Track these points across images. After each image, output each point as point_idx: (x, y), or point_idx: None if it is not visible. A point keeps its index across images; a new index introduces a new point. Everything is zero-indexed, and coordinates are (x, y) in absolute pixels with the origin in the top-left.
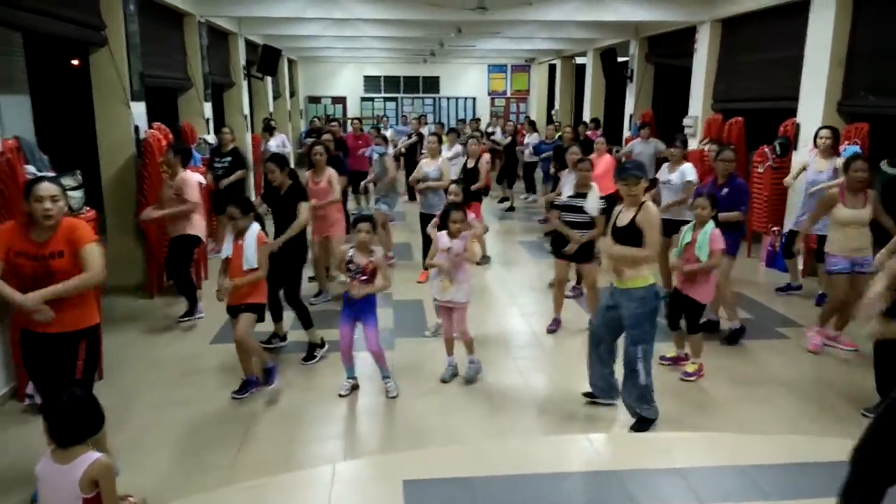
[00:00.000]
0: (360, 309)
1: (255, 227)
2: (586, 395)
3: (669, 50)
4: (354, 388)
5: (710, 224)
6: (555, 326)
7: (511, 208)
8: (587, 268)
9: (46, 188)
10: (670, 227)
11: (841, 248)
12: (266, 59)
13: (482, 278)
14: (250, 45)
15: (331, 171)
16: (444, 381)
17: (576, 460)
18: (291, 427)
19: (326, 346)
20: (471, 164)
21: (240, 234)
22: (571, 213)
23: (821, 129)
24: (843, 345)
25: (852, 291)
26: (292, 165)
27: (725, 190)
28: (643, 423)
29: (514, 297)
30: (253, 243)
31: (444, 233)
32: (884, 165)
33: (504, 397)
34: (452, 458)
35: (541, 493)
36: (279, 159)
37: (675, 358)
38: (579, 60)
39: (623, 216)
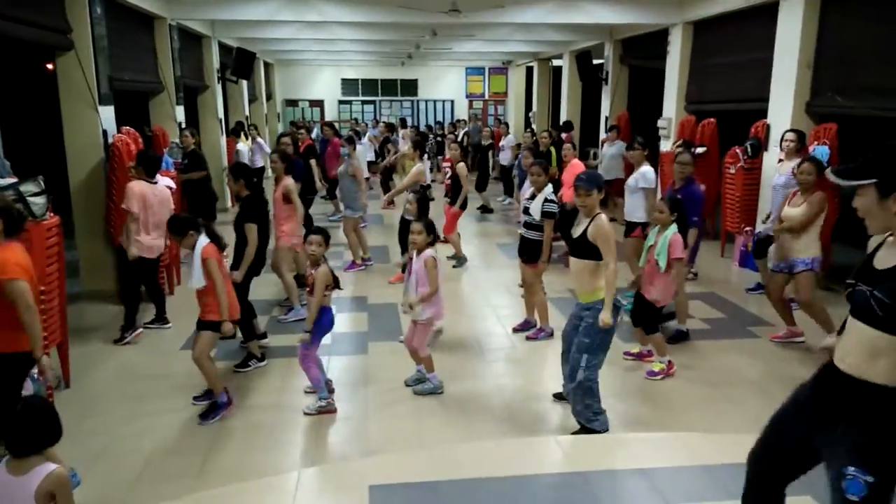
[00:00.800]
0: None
1: (202, 241)
2: (556, 395)
3: (643, 52)
4: (327, 411)
5: (672, 229)
6: (522, 327)
7: (489, 210)
8: (526, 269)
9: None
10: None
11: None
12: (240, 63)
13: (458, 280)
14: (225, 49)
15: (288, 182)
16: (407, 384)
17: (542, 462)
18: (259, 435)
19: (266, 362)
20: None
21: (190, 250)
22: (526, 215)
23: (786, 132)
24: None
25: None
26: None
27: (679, 196)
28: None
29: (489, 299)
30: (198, 263)
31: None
32: (829, 174)
33: (475, 401)
34: (419, 463)
35: (506, 496)
36: (239, 168)
37: (638, 354)
38: (556, 63)
39: (579, 227)
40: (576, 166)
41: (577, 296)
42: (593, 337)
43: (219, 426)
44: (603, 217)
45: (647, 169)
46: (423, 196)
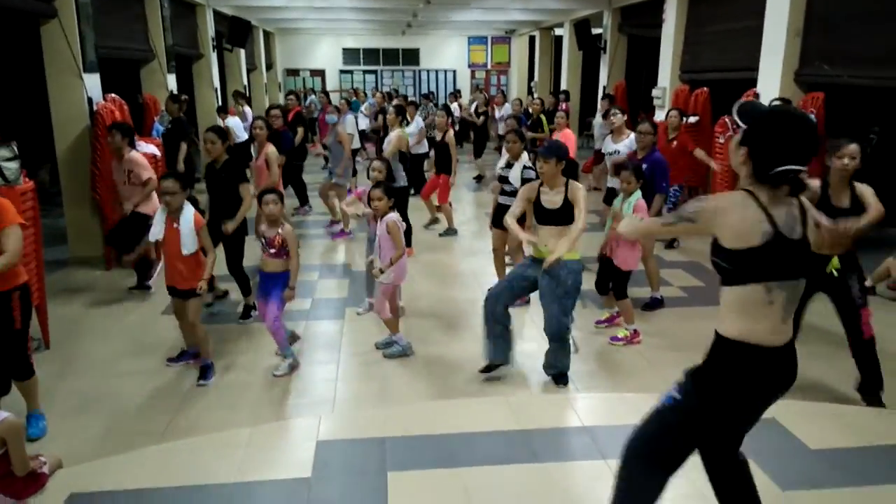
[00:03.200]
0: (270, 283)
1: (190, 209)
2: (484, 370)
3: (641, 20)
4: (294, 368)
5: (636, 195)
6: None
7: (480, 178)
8: (500, 235)
9: None
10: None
11: None
12: (235, 31)
13: (448, 249)
14: (221, 17)
15: (269, 149)
16: (377, 347)
17: (490, 420)
18: (229, 394)
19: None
20: (438, 137)
21: (173, 213)
22: (503, 182)
23: (773, 100)
24: None
25: None
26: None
27: (645, 165)
28: (565, 377)
29: (476, 268)
30: (190, 228)
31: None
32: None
33: (443, 364)
34: (367, 421)
35: (447, 451)
36: (219, 129)
37: (609, 318)
38: (558, 32)
39: (550, 198)
40: (567, 135)
41: (548, 255)
42: (573, 295)
43: (189, 386)
44: (575, 182)
45: (633, 137)
46: (438, 160)
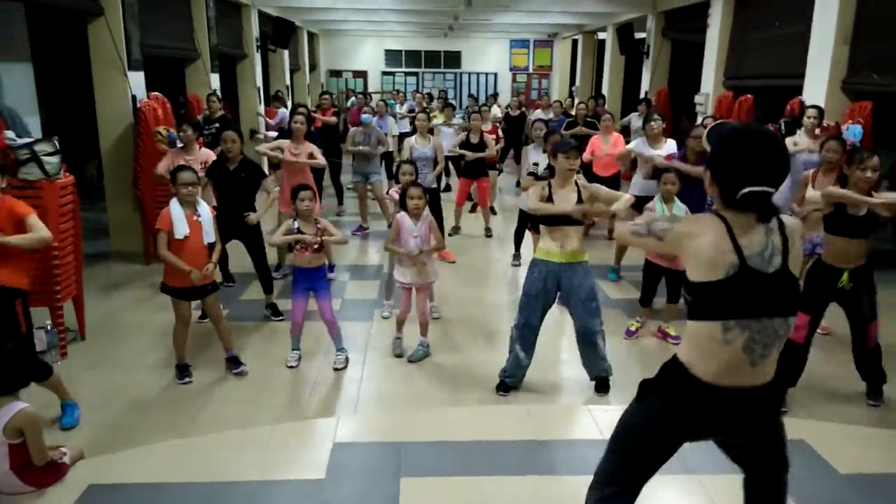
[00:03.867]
0: (312, 280)
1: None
2: (501, 389)
3: (686, 25)
4: (299, 358)
5: (681, 206)
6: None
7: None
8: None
9: None
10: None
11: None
12: (279, 32)
13: (483, 251)
14: (266, 18)
15: (311, 146)
16: (398, 355)
17: (509, 429)
18: (252, 392)
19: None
20: (475, 140)
21: (190, 206)
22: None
23: (808, 107)
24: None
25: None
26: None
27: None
28: (606, 384)
29: (510, 274)
30: (209, 217)
31: (404, 215)
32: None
33: (472, 370)
34: (385, 424)
35: (462, 459)
36: (239, 130)
37: (637, 329)
38: (601, 36)
39: (564, 196)
40: (617, 139)
41: (564, 257)
42: (595, 296)
43: (216, 382)
44: (581, 178)
45: (671, 142)
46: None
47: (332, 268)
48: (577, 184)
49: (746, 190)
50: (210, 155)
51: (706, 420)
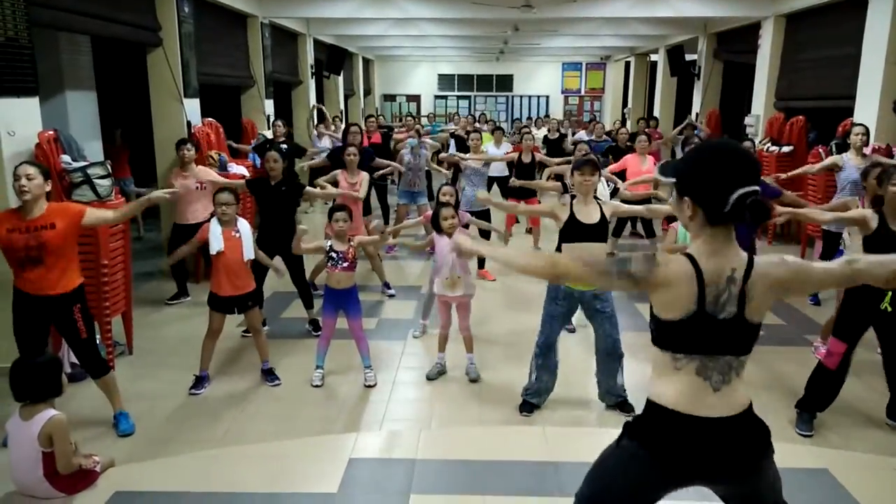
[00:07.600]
0: (342, 300)
1: (241, 219)
2: (525, 409)
3: (737, 47)
4: (323, 377)
5: None
6: None
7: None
8: None
9: (23, 168)
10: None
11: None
12: (333, 59)
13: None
14: (321, 45)
15: (364, 175)
16: (429, 378)
17: (521, 449)
18: (281, 407)
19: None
20: (526, 160)
21: (229, 224)
22: None
23: (855, 125)
24: None
25: None
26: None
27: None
28: (627, 403)
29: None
30: (249, 234)
31: (439, 236)
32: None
33: (501, 390)
34: (401, 441)
35: (473, 478)
36: (281, 151)
37: None
38: (654, 58)
39: (588, 212)
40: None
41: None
42: (615, 311)
43: (253, 397)
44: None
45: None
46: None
47: (387, 284)
48: (597, 200)
49: (741, 191)
50: (208, 173)
51: (681, 458)
